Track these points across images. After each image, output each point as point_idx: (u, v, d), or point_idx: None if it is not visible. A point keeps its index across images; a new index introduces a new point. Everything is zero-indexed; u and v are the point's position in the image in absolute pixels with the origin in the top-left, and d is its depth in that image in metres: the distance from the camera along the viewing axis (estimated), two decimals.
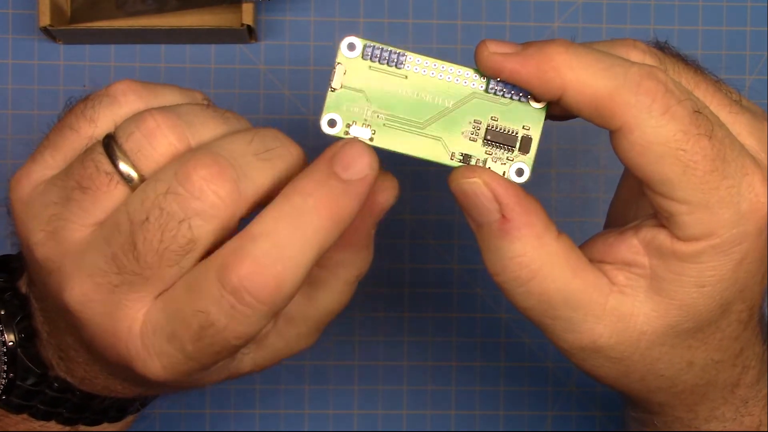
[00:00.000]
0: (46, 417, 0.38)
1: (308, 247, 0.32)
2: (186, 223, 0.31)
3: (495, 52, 0.33)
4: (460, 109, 0.35)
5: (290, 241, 0.31)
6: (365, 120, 0.34)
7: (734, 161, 0.33)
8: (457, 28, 0.53)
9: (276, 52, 0.53)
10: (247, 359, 0.36)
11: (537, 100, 0.34)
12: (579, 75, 0.32)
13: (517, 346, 0.54)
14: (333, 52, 0.35)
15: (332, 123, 0.34)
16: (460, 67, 0.34)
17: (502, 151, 0.35)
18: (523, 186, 0.35)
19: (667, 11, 0.53)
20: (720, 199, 0.33)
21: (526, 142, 0.35)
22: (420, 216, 0.53)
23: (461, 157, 0.35)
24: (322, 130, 0.34)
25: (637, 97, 0.32)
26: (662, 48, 0.35)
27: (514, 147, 0.35)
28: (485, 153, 0.35)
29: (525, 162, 0.35)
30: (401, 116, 0.34)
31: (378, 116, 0.34)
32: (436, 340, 0.54)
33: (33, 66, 0.52)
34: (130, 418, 0.41)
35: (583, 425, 0.54)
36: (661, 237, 0.34)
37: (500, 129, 0.35)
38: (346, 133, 0.34)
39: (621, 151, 0.33)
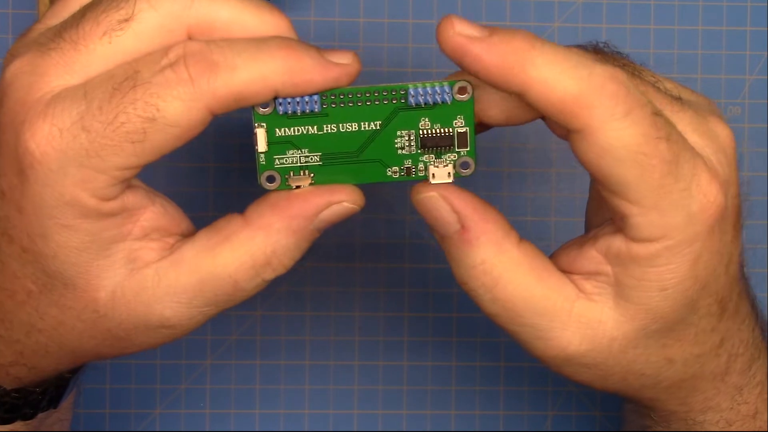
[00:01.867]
0: None
1: (258, 75, 0.32)
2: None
3: (460, 33, 0.32)
4: (389, 127, 0.34)
5: (245, 62, 0.32)
6: (301, 167, 0.34)
7: (687, 163, 0.33)
8: None
9: None
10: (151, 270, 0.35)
11: (461, 93, 0.34)
12: (544, 73, 0.32)
13: (517, 346, 0.54)
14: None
15: (271, 179, 0.34)
16: (375, 86, 0.34)
17: (441, 152, 0.35)
18: (471, 176, 0.35)
19: (667, 11, 0.53)
20: (672, 202, 0.33)
21: (462, 137, 0.35)
22: (420, 216, 0.53)
23: (404, 172, 0.35)
24: (265, 189, 0.34)
25: (600, 100, 0.32)
26: (599, 50, 0.35)
27: (453, 145, 0.35)
28: (425, 160, 0.35)
29: (467, 155, 0.35)
30: (334, 152, 0.34)
31: (312, 159, 0.34)
32: (436, 340, 0.54)
33: None
34: (21, 427, 0.40)
35: (583, 425, 0.54)
36: (618, 243, 0.34)
37: (433, 133, 0.34)
38: (288, 185, 0.34)
39: (580, 152, 0.33)
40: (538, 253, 0.35)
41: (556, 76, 0.32)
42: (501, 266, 0.35)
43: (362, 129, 0.34)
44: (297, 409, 0.53)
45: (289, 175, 0.34)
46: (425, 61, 0.53)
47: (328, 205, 0.34)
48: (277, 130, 0.34)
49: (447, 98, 0.34)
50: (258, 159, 0.34)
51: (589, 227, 0.39)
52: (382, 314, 0.54)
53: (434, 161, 0.35)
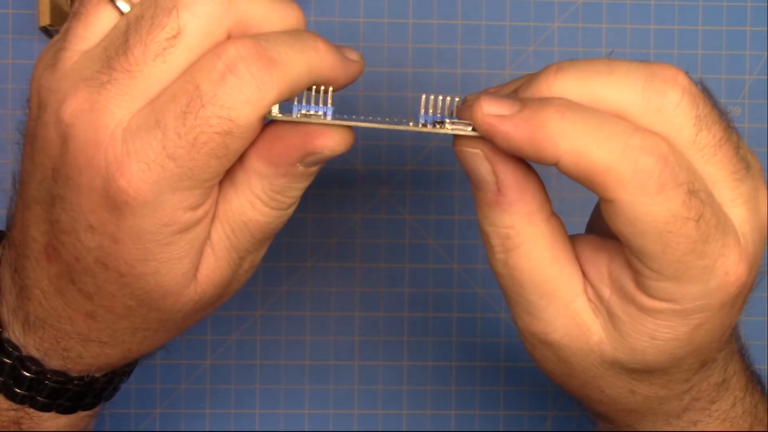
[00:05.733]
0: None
1: (307, 68, 0.32)
2: (174, 11, 0.32)
3: (489, 113, 0.32)
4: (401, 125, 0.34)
5: (296, 54, 0.32)
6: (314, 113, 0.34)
7: (716, 242, 0.32)
8: (457, 28, 0.53)
9: None
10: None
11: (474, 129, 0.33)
12: (574, 145, 0.31)
13: (517, 346, 0.54)
14: None
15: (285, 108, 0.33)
16: (381, 126, 0.34)
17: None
18: None
19: (667, 11, 0.53)
20: (691, 276, 0.32)
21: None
22: (420, 216, 0.53)
23: (420, 126, 0.34)
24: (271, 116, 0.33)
25: (633, 175, 0.31)
26: (704, 91, 0.34)
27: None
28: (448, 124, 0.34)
29: None
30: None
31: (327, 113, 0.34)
32: (436, 340, 0.54)
33: (33, 66, 0.52)
34: (83, 418, 0.40)
35: (582, 425, 0.54)
36: (627, 280, 0.34)
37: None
38: (307, 115, 0.33)
39: (608, 217, 0.32)
40: (563, 233, 0.35)
41: (587, 147, 0.31)
42: (524, 235, 0.34)
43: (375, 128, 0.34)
44: (297, 409, 0.53)
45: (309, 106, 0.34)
46: (425, 61, 0.53)
47: (307, 154, 0.33)
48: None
49: (458, 128, 0.34)
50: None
51: (592, 226, 0.39)
52: (382, 314, 0.54)
53: (449, 121, 0.34)
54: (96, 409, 0.40)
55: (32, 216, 0.35)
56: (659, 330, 0.34)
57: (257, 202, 0.34)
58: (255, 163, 0.33)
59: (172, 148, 0.31)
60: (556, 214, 0.35)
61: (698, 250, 0.32)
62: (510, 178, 0.34)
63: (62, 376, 0.37)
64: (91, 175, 0.32)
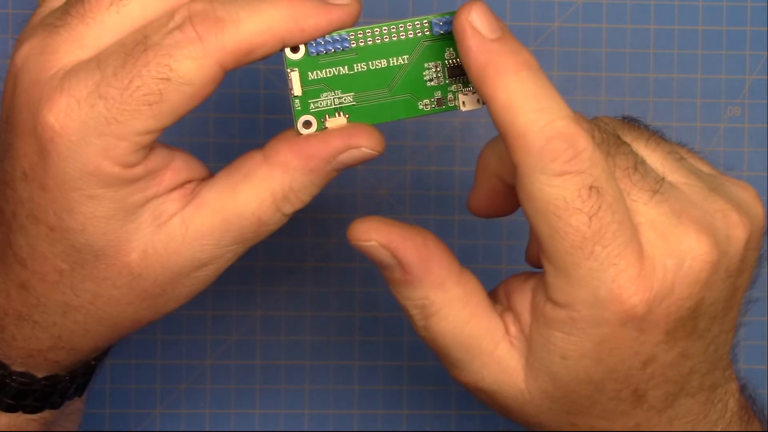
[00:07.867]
0: None
1: (264, 25, 0.32)
2: None
3: (470, 21, 0.32)
4: (417, 60, 0.35)
5: (249, 14, 0.32)
6: (336, 108, 0.35)
7: (609, 248, 0.32)
8: None
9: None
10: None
11: None
12: (509, 100, 0.32)
13: None
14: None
15: (307, 124, 0.35)
16: (399, 21, 0.35)
17: (468, 80, 0.35)
18: None
19: (667, 11, 0.53)
20: (579, 277, 0.32)
21: None
22: (420, 216, 0.53)
23: (434, 103, 0.35)
24: (300, 134, 0.35)
25: (539, 151, 0.31)
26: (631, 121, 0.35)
27: None
28: (454, 89, 0.35)
29: None
30: (366, 91, 0.35)
31: (345, 99, 0.35)
32: None
33: None
34: (26, 422, 0.39)
35: None
36: (540, 297, 0.34)
37: (459, 62, 0.35)
38: (325, 127, 0.35)
39: (516, 188, 0.33)
40: (476, 287, 0.36)
41: (516, 108, 0.32)
42: (440, 303, 0.35)
43: (391, 65, 0.35)
44: (297, 409, 0.53)
45: (325, 118, 0.35)
46: None
47: (347, 148, 0.34)
48: (310, 73, 0.35)
49: None
50: (293, 104, 0.35)
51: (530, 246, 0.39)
52: (382, 314, 0.54)
53: (463, 89, 0.35)
54: (43, 415, 0.39)
55: None
56: (567, 346, 0.33)
57: (268, 199, 0.34)
58: (286, 154, 0.34)
59: (105, 87, 0.31)
60: (465, 269, 0.36)
61: (587, 249, 0.32)
62: (411, 257, 0.35)
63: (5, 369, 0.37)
64: (27, 114, 0.32)
